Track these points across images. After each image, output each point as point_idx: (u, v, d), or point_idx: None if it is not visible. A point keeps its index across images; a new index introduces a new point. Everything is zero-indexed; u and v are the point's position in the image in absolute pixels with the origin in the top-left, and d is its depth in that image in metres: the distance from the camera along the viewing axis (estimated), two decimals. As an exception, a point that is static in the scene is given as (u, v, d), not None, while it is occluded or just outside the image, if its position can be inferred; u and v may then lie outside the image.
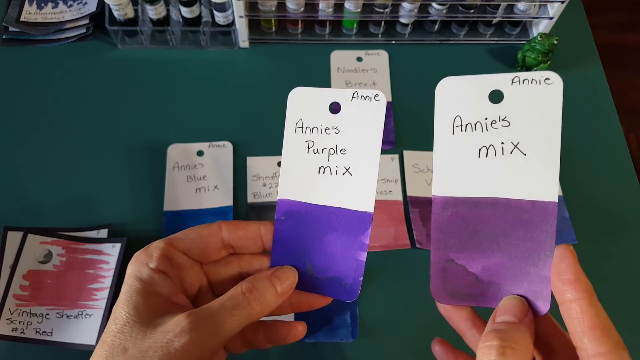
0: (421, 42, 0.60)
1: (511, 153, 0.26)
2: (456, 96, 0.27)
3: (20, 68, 0.56)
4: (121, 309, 0.26)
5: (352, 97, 0.29)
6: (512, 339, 0.23)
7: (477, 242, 0.27)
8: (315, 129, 0.30)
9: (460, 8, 0.56)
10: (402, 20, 0.58)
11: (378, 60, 0.58)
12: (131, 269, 0.27)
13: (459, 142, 0.27)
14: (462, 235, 0.27)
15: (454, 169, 0.27)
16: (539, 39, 0.54)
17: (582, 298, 0.23)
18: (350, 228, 0.30)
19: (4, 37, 0.58)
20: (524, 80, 0.25)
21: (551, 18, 0.56)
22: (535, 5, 0.56)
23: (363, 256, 0.29)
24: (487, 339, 0.23)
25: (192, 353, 0.24)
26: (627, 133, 0.54)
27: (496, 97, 0.26)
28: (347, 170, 0.30)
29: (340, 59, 0.58)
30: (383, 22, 0.58)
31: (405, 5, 0.55)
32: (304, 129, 0.31)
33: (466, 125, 0.26)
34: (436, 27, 0.60)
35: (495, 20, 0.58)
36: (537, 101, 0.25)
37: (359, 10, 0.56)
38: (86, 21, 0.58)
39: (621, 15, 0.73)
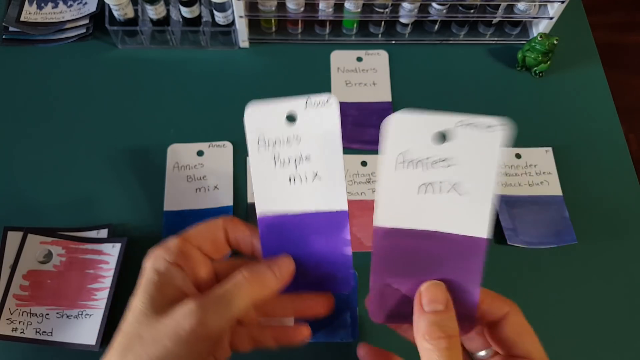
0: (421, 42, 0.60)
1: (448, 192, 0.27)
2: (403, 133, 0.28)
3: (20, 68, 0.56)
4: (138, 299, 0.27)
5: (306, 105, 0.30)
6: (451, 328, 0.26)
7: (413, 268, 0.28)
8: (277, 142, 0.31)
9: (460, 8, 0.56)
10: (402, 20, 0.58)
11: (378, 60, 0.58)
12: (149, 262, 0.29)
13: (401, 178, 0.28)
14: (400, 262, 0.28)
15: (396, 202, 0.28)
16: (539, 39, 0.54)
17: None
18: (330, 229, 0.31)
19: (4, 37, 0.58)
20: (468, 124, 0.26)
21: (551, 18, 0.56)
22: (535, 5, 0.56)
23: (349, 250, 0.31)
24: (433, 332, 0.26)
25: (200, 334, 0.26)
26: (627, 133, 0.54)
27: (441, 137, 0.27)
28: (315, 175, 0.31)
29: (340, 59, 0.58)
30: (383, 22, 0.58)
31: (405, 5, 0.55)
32: (267, 143, 0.31)
33: (409, 162, 0.28)
34: (436, 27, 0.60)
35: (495, 20, 0.58)
36: (477, 147, 0.27)
37: (359, 10, 0.56)
38: (86, 21, 0.59)
39: (621, 15, 0.73)
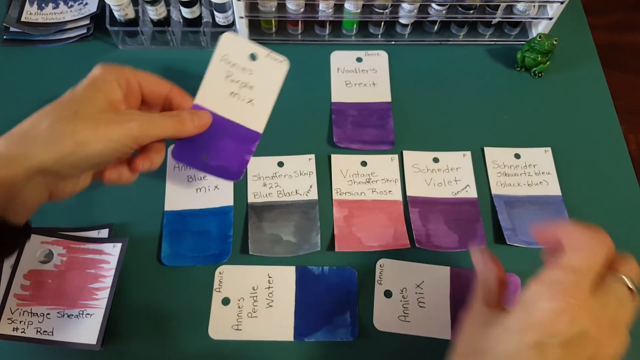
0: (421, 43, 0.60)
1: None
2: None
3: (21, 68, 0.57)
4: (91, 93, 0.37)
5: (267, 55, 0.43)
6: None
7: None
8: (236, 65, 0.42)
9: (459, 9, 0.56)
10: (402, 20, 0.58)
11: (378, 61, 0.58)
12: (103, 72, 0.38)
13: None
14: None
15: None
16: (538, 39, 0.55)
17: None
18: (243, 138, 0.43)
19: (4, 37, 0.58)
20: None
21: (550, 18, 0.57)
22: (534, 5, 0.57)
23: (249, 157, 0.43)
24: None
25: (136, 139, 0.37)
26: (626, 133, 0.55)
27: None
28: (251, 100, 0.43)
29: (340, 59, 0.58)
30: (383, 23, 0.58)
31: (405, 5, 0.55)
32: (228, 62, 0.42)
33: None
34: (436, 27, 0.60)
35: (494, 21, 0.59)
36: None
37: (359, 10, 0.56)
38: (87, 21, 0.59)
39: (620, 15, 0.73)
